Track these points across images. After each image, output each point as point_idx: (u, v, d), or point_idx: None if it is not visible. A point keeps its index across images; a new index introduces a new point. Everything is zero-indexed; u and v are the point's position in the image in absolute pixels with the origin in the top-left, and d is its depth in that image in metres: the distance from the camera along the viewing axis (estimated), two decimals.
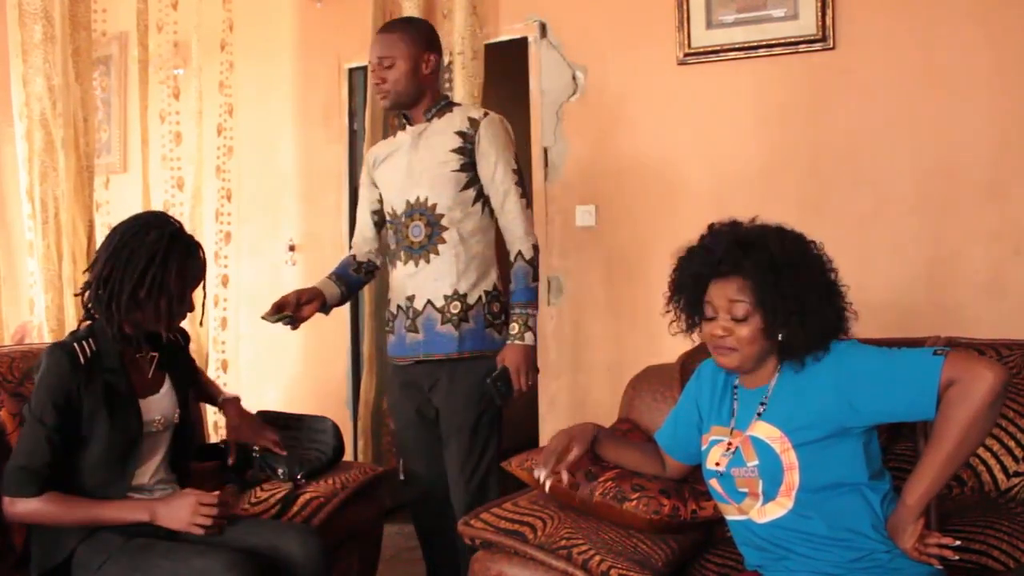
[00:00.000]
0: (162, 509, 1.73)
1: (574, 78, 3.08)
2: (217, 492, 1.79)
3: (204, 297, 1.92)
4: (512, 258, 2.21)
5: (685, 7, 2.86)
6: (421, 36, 2.22)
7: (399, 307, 2.27)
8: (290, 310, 2.20)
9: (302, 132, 3.65)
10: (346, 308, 3.53)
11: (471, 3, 3.08)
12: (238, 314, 3.67)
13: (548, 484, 1.70)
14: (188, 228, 3.36)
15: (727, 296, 1.51)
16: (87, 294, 1.80)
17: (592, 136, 3.06)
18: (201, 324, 2.02)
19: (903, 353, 1.44)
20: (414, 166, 2.22)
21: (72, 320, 3.06)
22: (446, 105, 2.27)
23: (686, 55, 2.89)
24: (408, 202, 2.22)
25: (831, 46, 2.70)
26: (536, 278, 2.21)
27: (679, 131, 2.93)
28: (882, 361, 1.45)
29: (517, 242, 2.20)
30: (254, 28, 3.66)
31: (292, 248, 3.65)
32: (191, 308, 1.86)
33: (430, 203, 2.19)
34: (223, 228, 3.60)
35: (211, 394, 2.21)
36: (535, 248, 2.22)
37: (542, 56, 3.13)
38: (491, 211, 2.24)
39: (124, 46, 3.87)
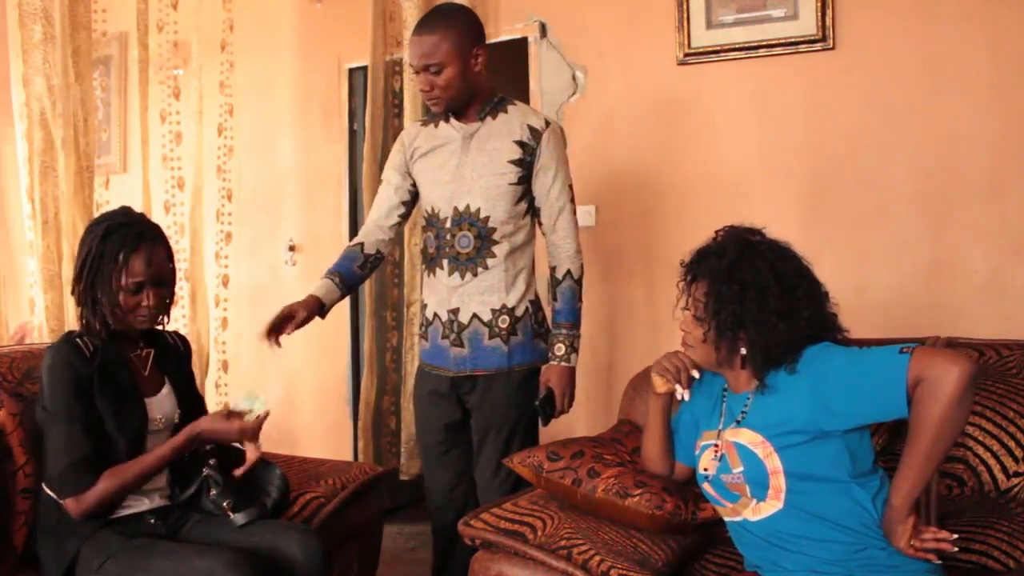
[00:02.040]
0: (205, 425, 1.79)
1: (574, 78, 3.08)
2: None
3: (173, 294, 1.89)
4: (560, 275, 2.14)
5: (685, 7, 2.86)
6: (466, 31, 2.05)
7: (436, 315, 2.18)
8: (292, 328, 2.08)
9: (302, 132, 3.65)
10: (346, 307, 3.54)
11: (471, 3, 3.07)
12: (239, 314, 3.67)
13: (686, 394, 1.68)
14: (188, 228, 3.42)
15: (696, 296, 1.59)
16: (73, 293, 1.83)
17: (592, 136, 3.06)
18: (161, 323, 1.92)
19: (871, 353, 1.45)
20: (465, 171, 2.11)
21: (72, 320, 3.06)
22: (499, 103, 2.14)
23: (686, 55, 2.89)
24: (457, 209, 2.11)
25: (831, 46, 2.70)
26: (582, 298, 2.17)
27: (679, 131, 2.93)
28: (851, 363, 1.46)
29: (567, 260, 2.14)
30: (254, 28, 3.66)
31: (292, 248, 3.65)
32: (151, 304, 1.79)
33: (482, 215, 2.09)
34: (223, 228, 3.59)
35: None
36: (583, 267, 2.17)
37: (542, 56, 3.13)
38: (537, 223, 2.17)
39: (124, 46, 3.87)
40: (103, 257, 1.75)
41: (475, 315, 2.13)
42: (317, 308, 2.12)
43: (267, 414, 1.83)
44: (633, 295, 3.01)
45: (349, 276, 2.21)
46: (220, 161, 3.59)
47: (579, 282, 2.16)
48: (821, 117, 2.74)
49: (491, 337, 2.13)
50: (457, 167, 2.12)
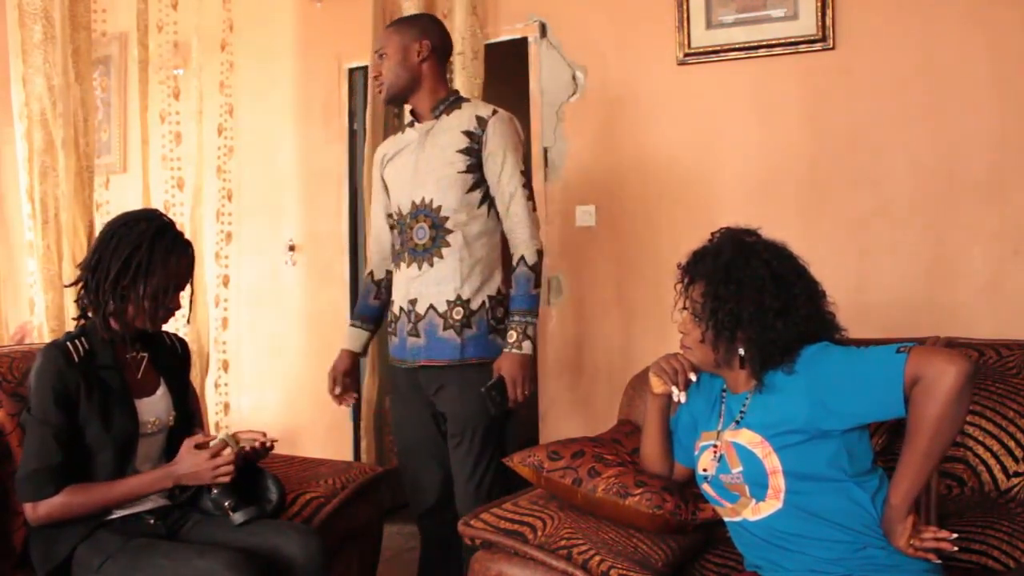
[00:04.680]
0: (182, 470, 1.75)
1: (574, 78, 3.08)
2: (216, 441, 1.78)
3: (192, 294, 1.91)
4: (514, 262, 2.15)
5: (685, 7, 2.86)
6: (414, 26, 2.21)
7: (401, 309, 2.22)
8: (342, 387, 2.37)
9: (302, 132, 3.65)
10: (345, 306, 3.53)
11: (471, 3, 3.08)
12: (239, 314, 3.67)
13: (682, 397, 1.68)
14: (188, 228, 3.43)
15: (693, 297, 1.59)
16: (79, 286, 1.81)
17: (592, 136, 3.06)
18: (189, 322, 2.01)
19: (868, 353, 1.45)
20: (420, 166, 2.18)
21: (72, 320, 3.05)
22: (455, 101, 2.21)
23: (686, 55, 2.89)
24: (413, 203, 2.17)
25: (831, 46, 2.70)
26: (538, 284, 2.16)
27: (679, 131, 2.93)
28: (848, 363, 1.46)
29: (521, 246, 2.15)
30: (254, 28, 3.66)
31: (292, 248, 3.65)
32: (176, 306, 1.84)
33: (435, 205, 2.14)
34: (224, 228, 3.59)
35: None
36: (539, 253, 2.16)
37: (542, 56, 3.13)
38: (497, 213, 2.19)
39: (124, 46, 3.87)
40: (153, 252, 1.76)
41: (431, 306, 2.16)
42: (353, 359, 2.40)
43: (239, 453, 1.81)
44: (633, 295, 3.01)
45: (370, 312, 2.41)
46: (220, 161, 3.59)
47: (534, 268, 2.15)
48: (821, 117, 2.74)
49: (445, 328, 2.14)
50: (415, 164, 2.19)
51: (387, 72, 2.19)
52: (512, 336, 2.11)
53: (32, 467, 1.69)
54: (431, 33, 2.21)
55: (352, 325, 2.41)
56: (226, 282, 3.60)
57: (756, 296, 1.52)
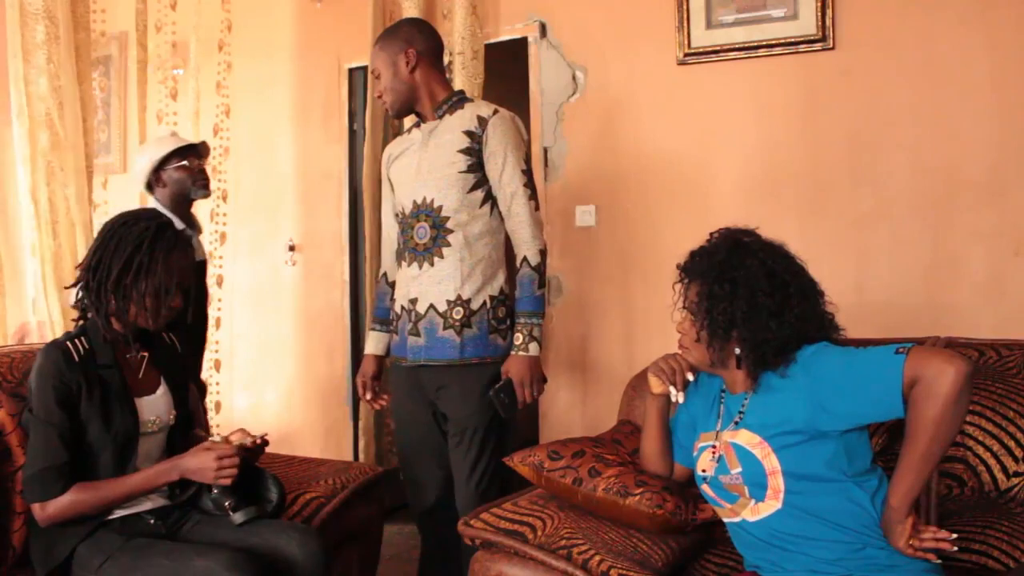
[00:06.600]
0: (189, 465, 1.75)
1: (574, 78, 3.08)
2: (230, 443, 1.78)
3: (191, 291, 1.91)
4: (518, 263, 2.15)
5: (685, 7, 2.86)
6: (397, 39, 2.19)
7: (403, 308, 2.22)
8: (372, 392, 2.38)
9: (301, 132, 3.65)
10: (345, 306, 3.54)
11: (471, 3, 3.08)
12: (233, 314, 3.66)
13: (680, 396, 1.68)
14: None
15: (690, 296, 1.60)
16: (78, 287, 1.81)
17: (592, 136, 3.06)
18: (190, 321, 2.01)
19: (867, 353, 1.45)
20: (423, 165, 2.18)
21: (72, 320, 3.05)
22: (458, 101, 2.21)
23: (686, 55, 2.89)
24: (415, 202, 2.17)
25: (831, 46, 2.70)
26: (543, 284, 2.15)
27: (679, 131, 2.93)
28: (847, 364, 1.46)
29: (523, 246, 2.14)
30: (253, 28, 3.66)
31: (292, 248, 3.65)
32: (178, 304, 1.84)
33: (436, 204, 2.14)
34: (218, 228, 3.59)
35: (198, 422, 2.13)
36: (542, 253, 2.15)
37: (542, 56, 3.13)
38: (500, 213, 2.18)
39: (123, 46, 3.87)
40: (154, 250, 1.76)
41: (432, 305, 2.15)
42: (379, 362, 2.37)
43: (242, 446, 1.81)
44: (633, 295, 3.01)
45: (388, 315, 2.36)
46: (216, 162, 3.58)
47: (537, 268, 2.14)
48: (821, 117, 2.74)
49: (445, 328, 2.14)
50: (417, 164, 2.20)
51: (385, 91, 2.20)
52: (518, 338, 2.11)
53: (38, 467, 1.68)
54: (414, 39, 2.19)
55: (372, 329, 2.39)
56: (220, 282, 3.60)
57: (750, 295, 1.52)
